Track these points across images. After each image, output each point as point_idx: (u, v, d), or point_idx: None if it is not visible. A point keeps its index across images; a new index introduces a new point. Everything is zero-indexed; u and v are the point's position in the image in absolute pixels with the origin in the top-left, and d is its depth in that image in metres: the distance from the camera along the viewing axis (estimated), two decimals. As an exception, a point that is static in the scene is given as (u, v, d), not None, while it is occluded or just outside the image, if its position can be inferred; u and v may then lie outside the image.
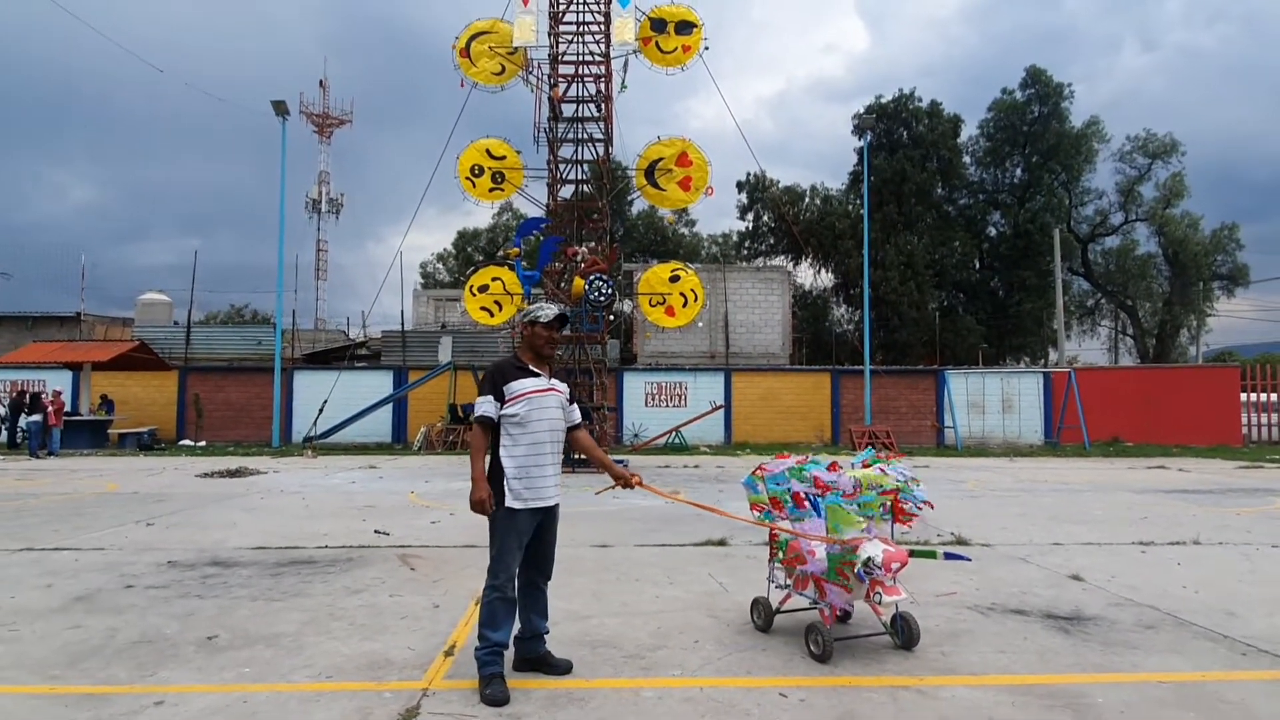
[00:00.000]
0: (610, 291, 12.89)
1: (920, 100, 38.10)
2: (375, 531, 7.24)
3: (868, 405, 22.05)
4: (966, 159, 39.60)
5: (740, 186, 40.80)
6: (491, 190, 14.89)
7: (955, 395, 23.08)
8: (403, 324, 25.15)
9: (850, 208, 37.75)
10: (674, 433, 22.19)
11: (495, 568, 3.42)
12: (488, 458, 3.46)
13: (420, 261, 57.92)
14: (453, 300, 29.64)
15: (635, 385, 23.85)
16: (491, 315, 14.65)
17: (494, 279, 14.67)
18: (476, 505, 3.39)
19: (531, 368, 3.55)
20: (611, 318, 14.65)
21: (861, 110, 39.03)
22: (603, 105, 14.58)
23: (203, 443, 21.94)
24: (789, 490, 4.30)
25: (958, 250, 38.71)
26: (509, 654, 3.51)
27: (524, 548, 3.48)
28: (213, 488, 11.33)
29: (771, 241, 41.70)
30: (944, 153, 37.60)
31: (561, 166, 14.92)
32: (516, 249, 13.50)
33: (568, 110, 14.63)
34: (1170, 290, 38.28)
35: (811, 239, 38.85)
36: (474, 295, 14.67)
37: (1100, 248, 40.07)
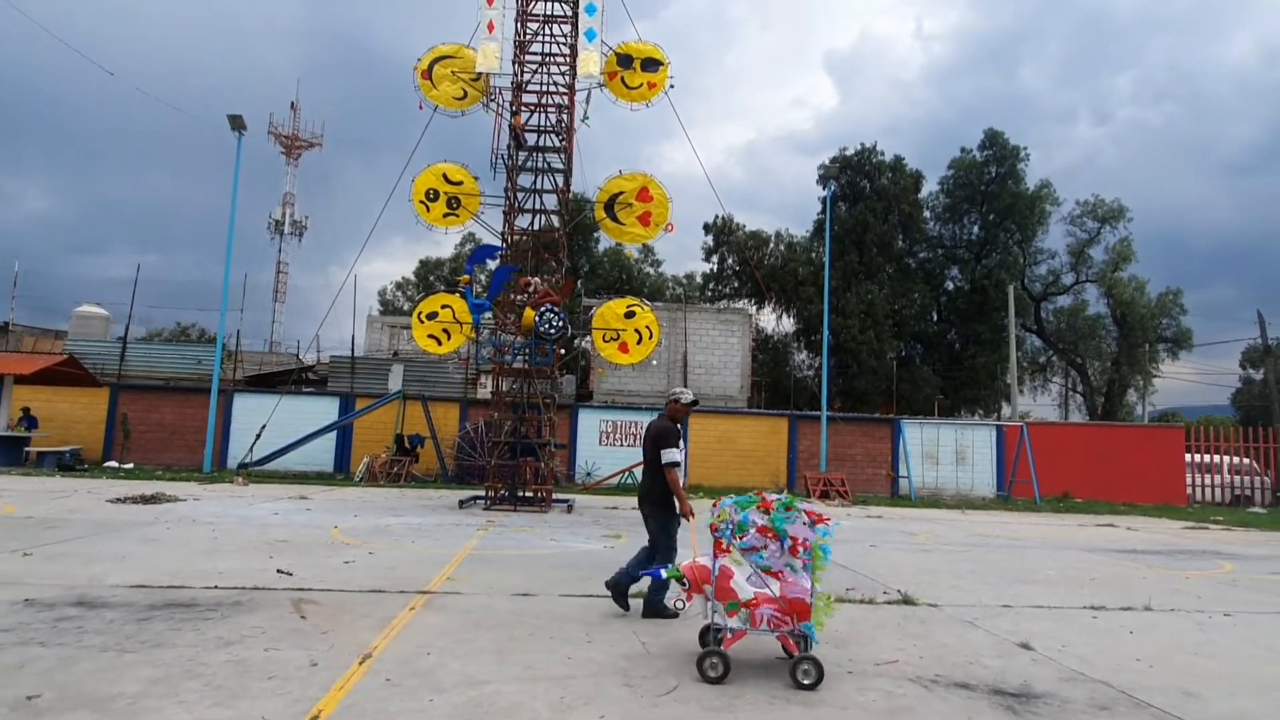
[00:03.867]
0: (561, 324, 12.47)
1: (883, 154, 39.04)
2: (278, 571, 6.59)
3: (823, 451, 21.84)
4: (927, 214, 40.52)
5: (707, 228, 41.11)
6: (446, 215, 14.47)
7: (910, 445, 23.02)
8: (352, 350, 24.37)
9: (813, 254, 38.17)
10: (627, 473, 21.63)
11: (667, 554, 5.63)
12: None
13: (379, 289, 56.93)
14: (406, 328, 28.91)
15: (590, 423, 23.31)
16: (439, 344, 14.10)
17: (443, 306, 14.16)
18: (687, 514, 5.46)
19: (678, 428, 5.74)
20: (563, 351, 14.19)
21: (827, 161, 39.85)
22: (564, 136, 14.35)
23: (129, 465, 20.70)
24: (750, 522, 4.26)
25: (917, 302, 39.32)
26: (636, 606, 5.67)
27: None
28: (120, 514, 10.45)
29: (736, 285, 41.92)
30: (905, 206, 38.39)
31: (520, 195, 14.59)
32: (467, 276, 13.03)
33: (529, 139, 14.35)
34: (1118, 350, 39.29)
35: (774, 284, 39.14)
36: (422, 322, 14.13)
37: (1052, 306, 41.10)
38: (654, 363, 20.96)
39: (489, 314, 13.30)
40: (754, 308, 40.80)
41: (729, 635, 4.18)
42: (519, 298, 13.60)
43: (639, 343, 14.13)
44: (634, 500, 17.46)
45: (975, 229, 40.08)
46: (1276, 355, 42.08)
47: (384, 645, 4.40)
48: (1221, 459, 24.59)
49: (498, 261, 13.75)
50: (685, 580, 4.45)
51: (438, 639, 4.59)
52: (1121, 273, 38.63)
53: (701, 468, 23.11)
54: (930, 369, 38.80)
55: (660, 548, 5.65)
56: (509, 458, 13.89)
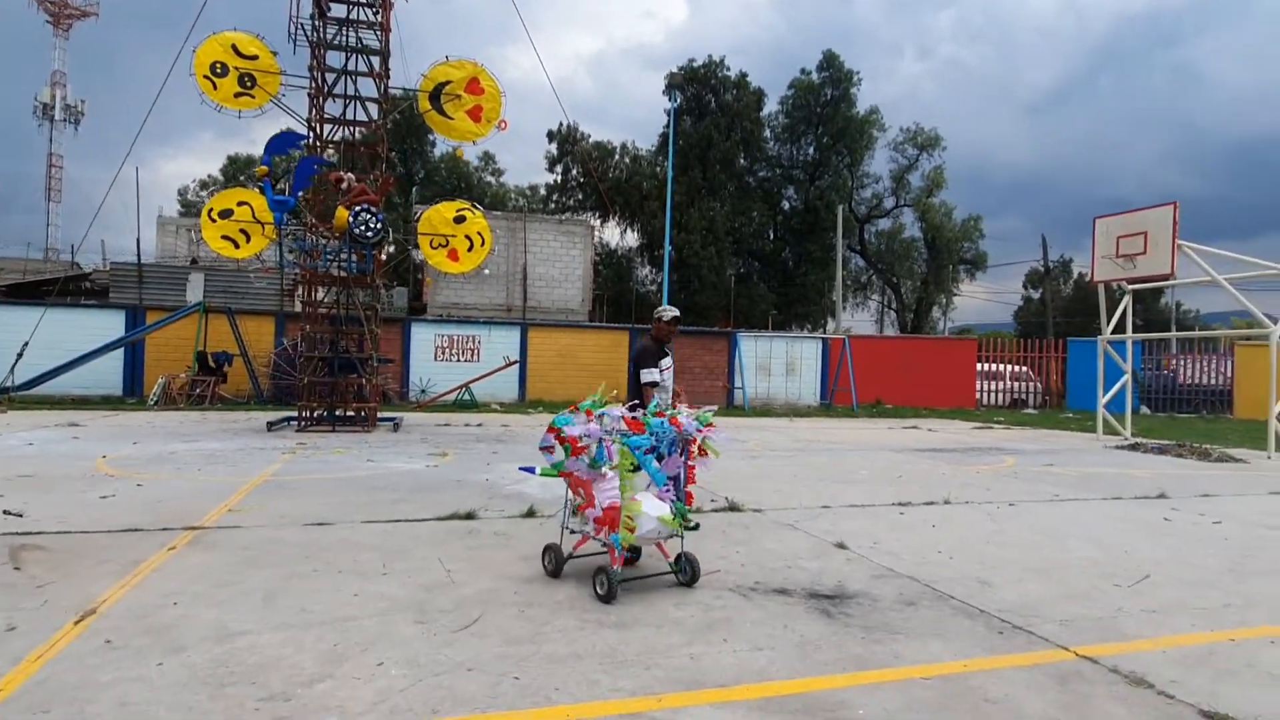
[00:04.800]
0: (379, 227, 11.21)
1: (729, 70, 38.85)
2: (3, 513, 5.39)
3: (663, 365, 22.08)
4: (767, 133, 41.22)
5: (551, 136, 39.42)
6: (238, 96, 12.36)
7: (745, 357, 23.88)
8: (139, 255, 21.11)
9: (658, 169, 37.81)
10: (464, 389, 20.79)
11: None
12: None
13: (180, 188, 49.90)
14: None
15: (424, 337, 22.01)
16: (236, 246, 12.31)
17: (240, 203, 12.30)
18: None
19: (665, 349, 5.76)
20: (384, 258, 12.92)
21: (675, 69, 39.10)
22: (379, 8, 12.59)
23: None
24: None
25: (755, 220, 40.40)
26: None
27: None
28: None
29: (580, 197, 40.87)
30: (747, 124, 38.74)
31: (329, 77, 12.77)
32: (265, 167, 11.29)
33: (335, 9, 12.45)
34: (927, 270, 42.90)
35: (619, 198, 38.54)
36: (214, 221, 12.22)
37: (875, 228, 43.87)
38: (486, 271, 19.93)
39: (294, 213, 11.69)
40: (598, 221, 40.16)
41: (579, 536, 4.22)
42: (337, 198, 12.06)
43: (470, 250, 13.13)
44: (468, 417, 16.76)
45: (810, 150, 41.41)
46: (1053, 276, 47.88)
47: (117, 597, 3.60)
48: (1004, 368, 27.77)
49: (302, 152, 12.03)
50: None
51: (194, 584, 3.85)
52: (934, 198, 41.78)
53: (542, 383, 22.71)
54: (766, 286, 40.45)
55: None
56: (327, 374, 12.66)
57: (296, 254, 11.80)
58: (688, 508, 4.30)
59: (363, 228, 11.04)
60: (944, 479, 8.61)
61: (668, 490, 4.25)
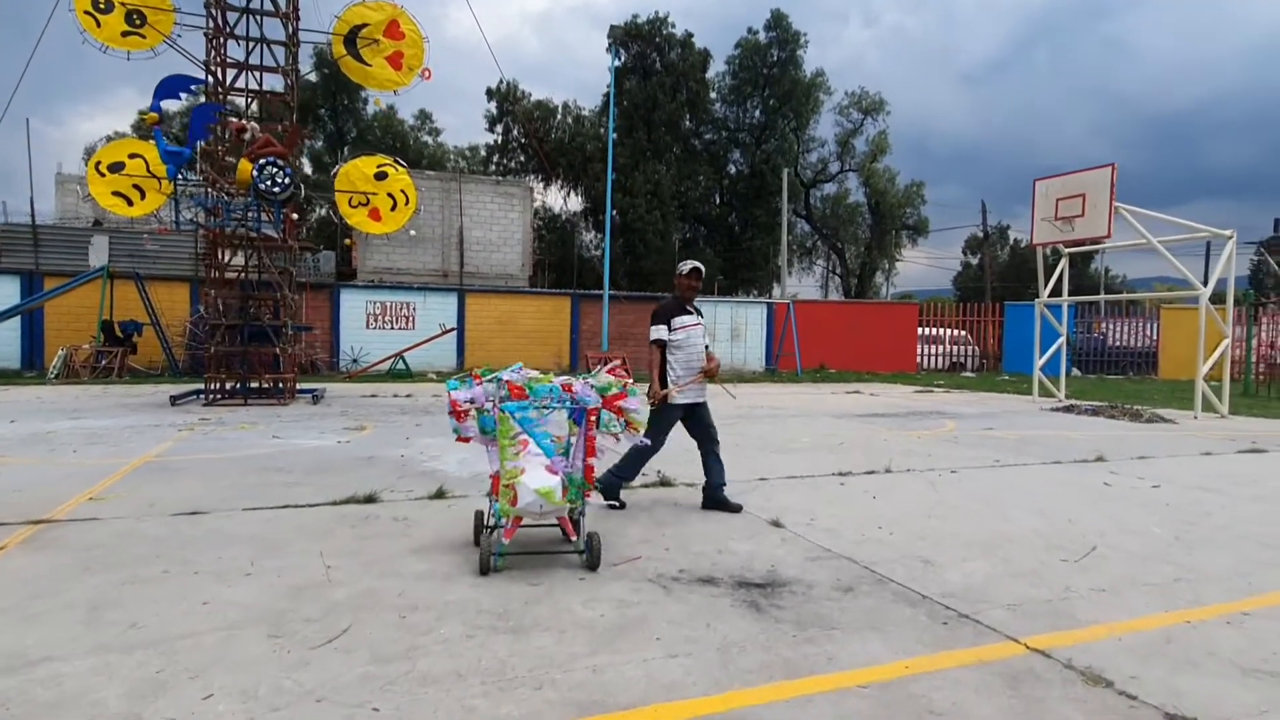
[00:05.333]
0: (287, 182, 10.27)
1: (674, 27, 37.82)
2: None
3: (604, 330, 21.56)
4: (713, 95, 40.46)
5: (490, 94, 37.88)
6: (126, 35, 11.14)
7: (689, 323, 23.52)
8: (33, 216, 19.38)
9: (602, 130, 36.76)
10: (398, 358, 19.90)
11: (655, 440, 5.04)
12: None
13: (88, 146, 46.46)
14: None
15: (355, 304, 20.96)
16: (129, 203, 11.21)
17: (132, 155, 11.17)
18: (652, 398, 5.04)
19: (688, 308, 5.32)
20: (295, 216, 11.94)
21: (619, 24, 37.87)
22: (284, -59, 11.45)
23: None
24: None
25: (701, 184, 39.83)
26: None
27: (673, 427, 5.19)
28: None
29: (522, 159, 39.56)
30: (693, 85, 37.89)
31: (230, 16, 11.60)
32: (154, 114, 10.18)
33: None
34: (871, 235, 43.18)
35: (561, 159, 37.44)
36: (102, 175, 11.07)
37: (820, 193, 43.80)
38: (412, 233, 18.93)
39: (191, 166, 10.63)
40: (540, 184, 39.03)
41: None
42: (241, 150, 11.01)
43: (393, 209, 12.27)
44: (401, 388, 15.99)
45: (757, 113, 40.86)
46: (991, 242, 48.82)
47: (-106, 617, 2.95)
48: (944, 332, 28.13)
49: (196, 97, 10.91)
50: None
51: (4, 597, 3.21)
52: (878, 164, 41.86)
53: (482, 350, 21.93)
54: (712, 250, 40.05)
55: (649, 433, 4.91)
56: (238, 344, 11.74)
57: (195, 212, 10.78)
58: (587, 483, 3.96)
59: (268, 183, 10.09)
60: (885, 445, 8.38)
61: (561, 462, 3.92)
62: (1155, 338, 26.27)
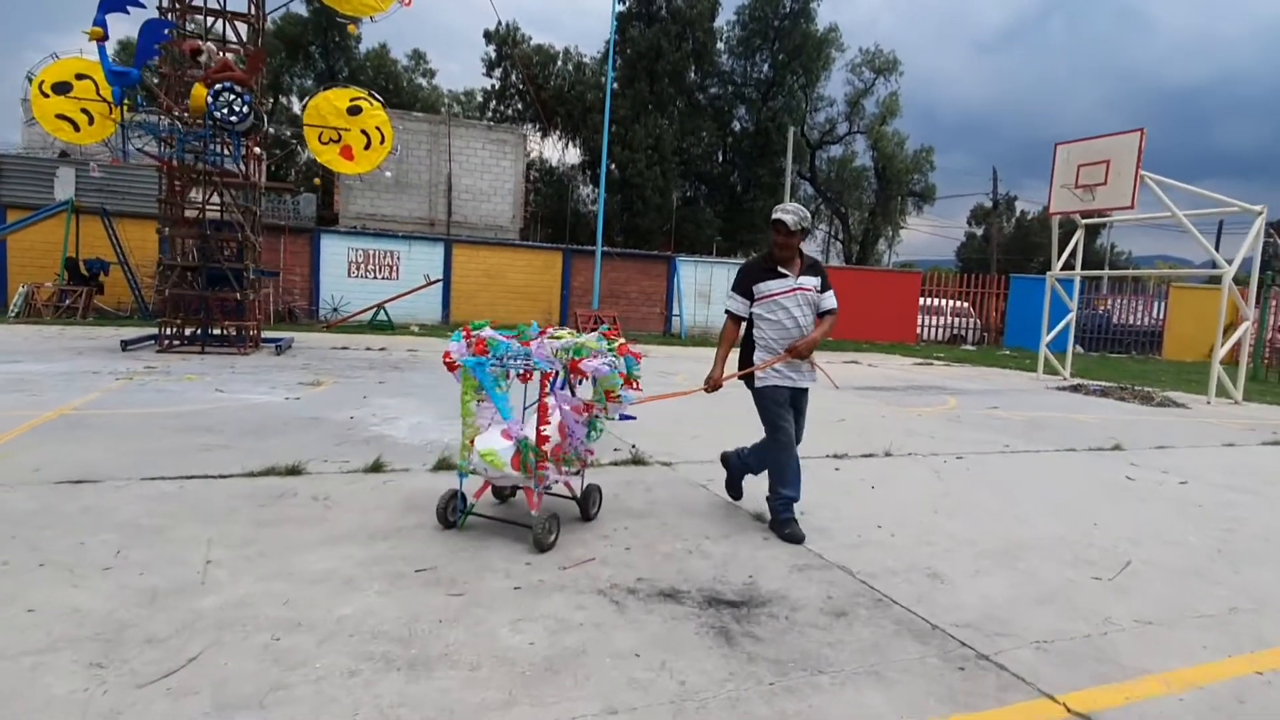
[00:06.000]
0: (247, 111, 9.37)
1: (682, -31, 36.07)
2: None
3: (596, 288, 20.75)
4: (720, 46, 38.92)
5: (488, 37, 36.31)
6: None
7: (684, 283, 22.74)
8: (-10, 143, 18.28)
9: (603, 79, 35.36)
10: (379, 309, 19.11)
11: (773, 434, 4.01)
12: (737, 350, 4.17)
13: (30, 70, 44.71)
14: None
15: (336, 251, 20.07)
16: (76, 129, 10.29)
17: (80, 76, 10.21)
18: (707, 383, 4.03)
19: (780, 269, 3.97)
20: (258, 150, 11.03)
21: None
22: None
23: None
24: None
25: (704, 140, 38.52)
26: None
27: (788, 414, 4.09)
28: None
29: (520, 107, 38.17)
30: (700, 34, 36.35)
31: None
32: (99, 29, 9.21)
33: None
34: (876, 201, 42.06)
35: (560, 109, 36.12)
36: (46, 96, 10.14)
37: (826, 154, 42.53)
38: (388, 174, 18.01)
39: (138, 89, 9.70)
40: (538, 135, 37.75)
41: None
42: (192, 72, 10.06)
43: (367, 148, 11.37)
44: (378, 340, 15.25)
45: (765, 68, 39.36)
46: (998, 213, 47.77)
47: None
48: (945, 303, 27.39)
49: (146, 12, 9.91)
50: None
51: None
52: (888, 126, 40.54)
53: (469, 304, 21.16)
54: (712, 210, 38.96)
55: (768, 431, 4.06)
56: (196, 288, 10.96)
57: (145, 141, 9.90)
58: (539, 451, 3.47)
59: (225, 111, 9.20)
60: (885, 424, 7.73)
61: (516, 425, 3.52)
62: (1161, 317, 25.59)
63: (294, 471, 4.43)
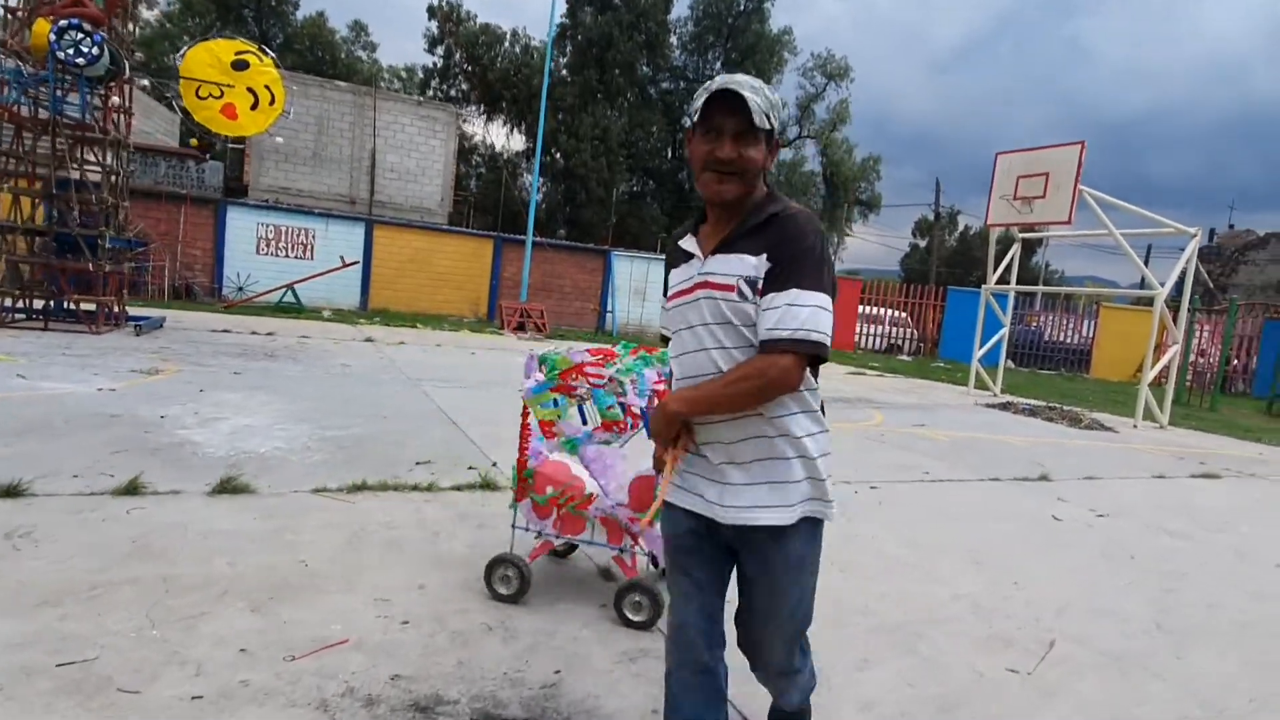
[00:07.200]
0: (97, 52, 8.08)
1: (637, -42, 35.21)
2: None
3: (525, 279, 19.71)
4: (674, 40, 38.21)
5: (431, 12, 34.75)
6: None
7: (619, 279, 21.90)
8: None
9: (554, 65, 34.23)
10: (287, 289, 17.69)
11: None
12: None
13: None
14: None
15: (244, 225, 18.52)
16: (-105, 63, 8.81)
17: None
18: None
19: (699, 235, 1.76)
20: (115, 99, 9.67)
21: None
22: None
23: None
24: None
25: (654, 135, 37.77)
26: None
27: (695, 578, 1.74)
28: None
29: (465, 88, 36.73)
30: (653, 25, 35.55)
31: None
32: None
33: None
34: (824, 208, 42.00)
35: (506, 93, 34.86)
36: None
37: (776, 159, 42.27)
38: (279, 139, 16.66)
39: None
40: (483, 119, 36.44)
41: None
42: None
43: (254, 108, 10.15)
44: (274, 324, 13.94)
45: (718, 65, 38.79)
46: (941, 225, 48.43)
47: None
48: (884, 312, 27.24)
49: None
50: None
51: None
52: (837, 133, 40.51)
53: (389, 290, 19.87)
54: (659, 206, 38.23)
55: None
56: (48, 254, 9.58)
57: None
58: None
59: (69, 51, 7.90)
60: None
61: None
62: (1091, 335, 25.92)
63: (10, 493, 3.37)
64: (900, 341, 27.09)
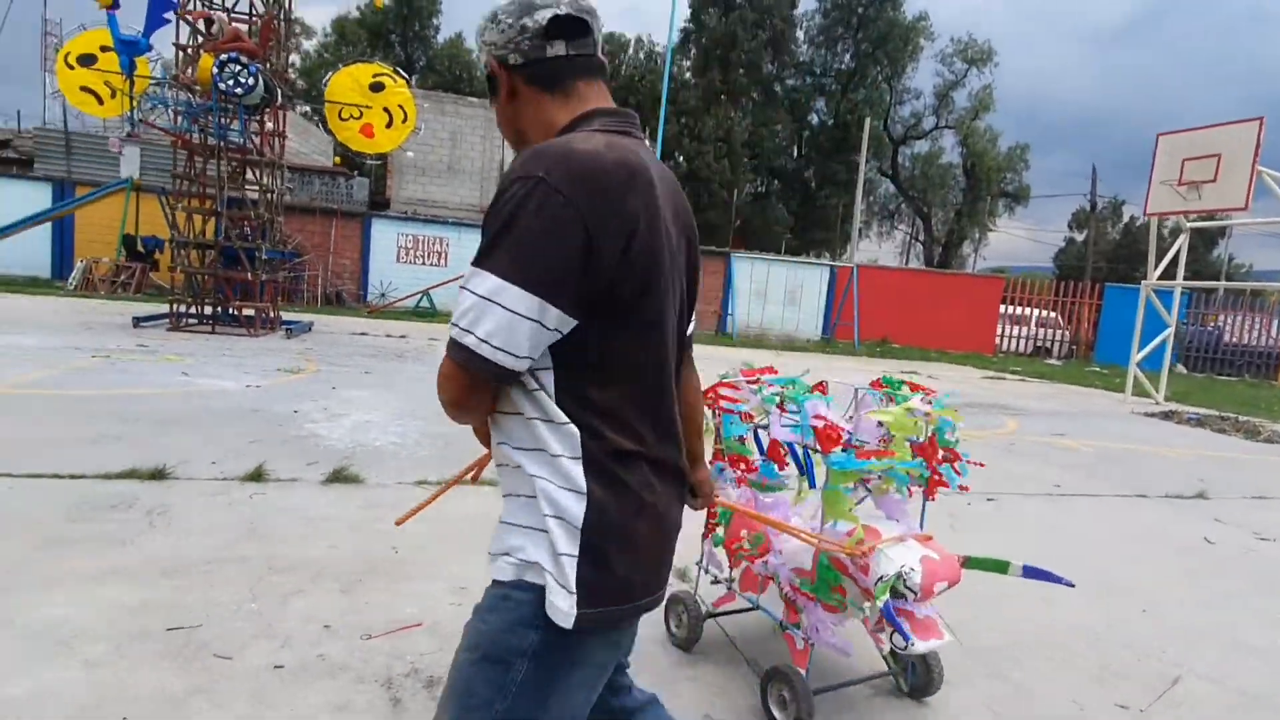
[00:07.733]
0: (252, 83, 9.02)
1: (761, -44, 34.78)
2: None
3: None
4: (800, 34, 37.39)
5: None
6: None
7: (739, 281, 21.68)
8: (65, 122, 19.06)
9: (677, 69, 34.51)
10: (423, 295, 18.92)
11: None
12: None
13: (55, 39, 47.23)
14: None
15: (386, 236, 20.00)
16: (100, 102, 10.26)
17: (105, 49, 10.15)
18: None
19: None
20: (269, 125, 10.71)
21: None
22: None
23: None
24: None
25: (779, 134, 37.12)
26: None
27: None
28: None
29: (591, 96, 37.75)
30: (778, 22, 34.96)
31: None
32: (111, -2, 9.07)
33: None
34: (963, 201, 39.56)
35: (631, 99, 35.44)
36: (71, 68, 10.12)
37: (910, 151, 40.29)
38: (409, 154, 17.67)
39: (151, 58, 9.52)
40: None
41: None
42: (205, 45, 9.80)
43: (389, 126, 10.94)
44: (407, 327, 14.92)
45: (847, 58, 37.57)
46: (1102, 217, 44.24)
47: None
48: (1030, 312, 25.23)
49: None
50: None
51: None
52: (980, 121, 38.01)
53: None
54: (784, 207, 37.51)
55: None
56: (212, 267, 10.79)
57: (156, 113, 9.72)
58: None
59: (229, 82, 8.87)
60: (914, 448, 6.61)
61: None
62: (1282, 337, 22.77)
63: (156, 475, 3.82)
64: (1049, 343, 24.99)
